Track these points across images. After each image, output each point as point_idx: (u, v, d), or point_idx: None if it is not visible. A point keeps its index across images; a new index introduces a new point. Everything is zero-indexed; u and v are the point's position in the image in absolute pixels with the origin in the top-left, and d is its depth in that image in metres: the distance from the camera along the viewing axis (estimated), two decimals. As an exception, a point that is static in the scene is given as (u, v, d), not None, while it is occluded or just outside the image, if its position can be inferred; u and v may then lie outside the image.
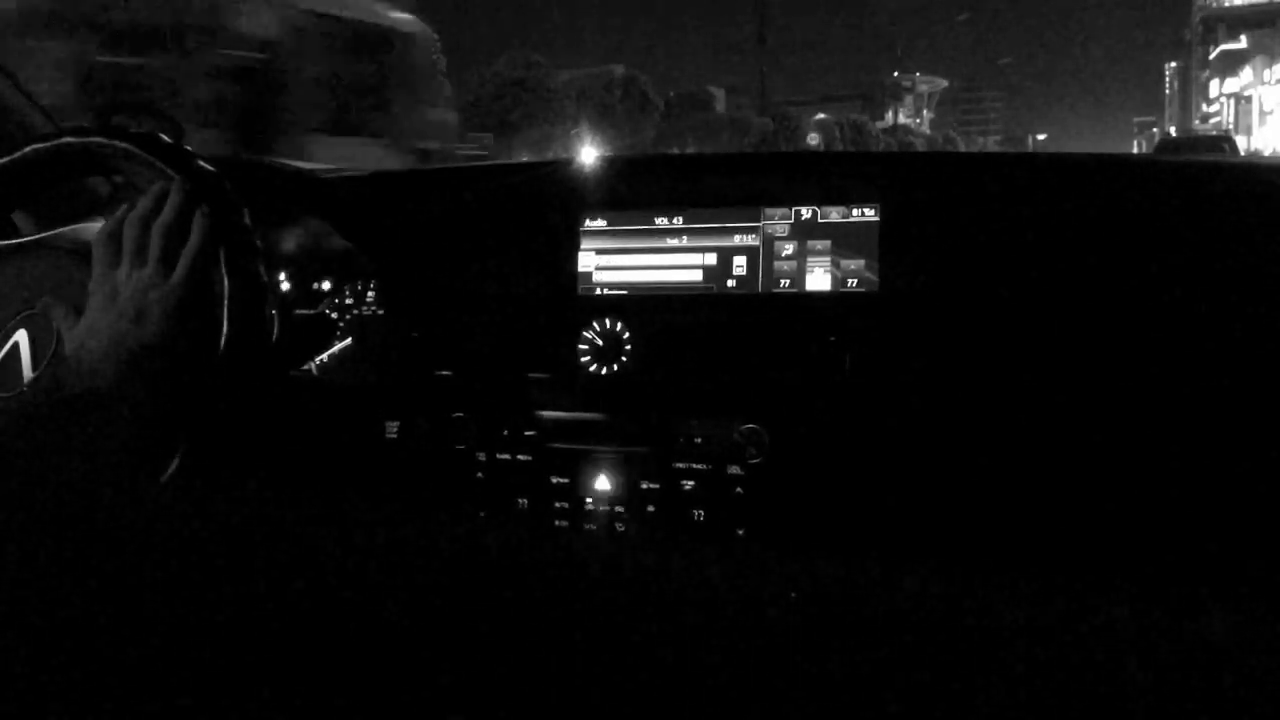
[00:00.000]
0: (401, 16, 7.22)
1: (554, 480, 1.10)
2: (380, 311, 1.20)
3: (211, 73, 5.53)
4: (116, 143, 0.90)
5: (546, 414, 1.11)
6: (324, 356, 1.18)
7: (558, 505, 1.10)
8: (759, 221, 1.13)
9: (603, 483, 1.08)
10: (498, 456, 1.12)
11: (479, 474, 1.12)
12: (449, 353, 1.17)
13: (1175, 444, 0.95)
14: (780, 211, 1.12)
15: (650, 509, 1.07)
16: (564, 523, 1.09)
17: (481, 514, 1.12)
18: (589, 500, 1.09)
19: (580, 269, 1.18)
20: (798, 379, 1.05)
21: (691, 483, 1.06)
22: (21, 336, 0.91)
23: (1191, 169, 1.09)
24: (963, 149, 37.43)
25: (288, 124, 6.00)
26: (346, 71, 6.71)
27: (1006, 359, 1.00)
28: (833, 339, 1.05)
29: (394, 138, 6.96)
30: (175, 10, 5.50)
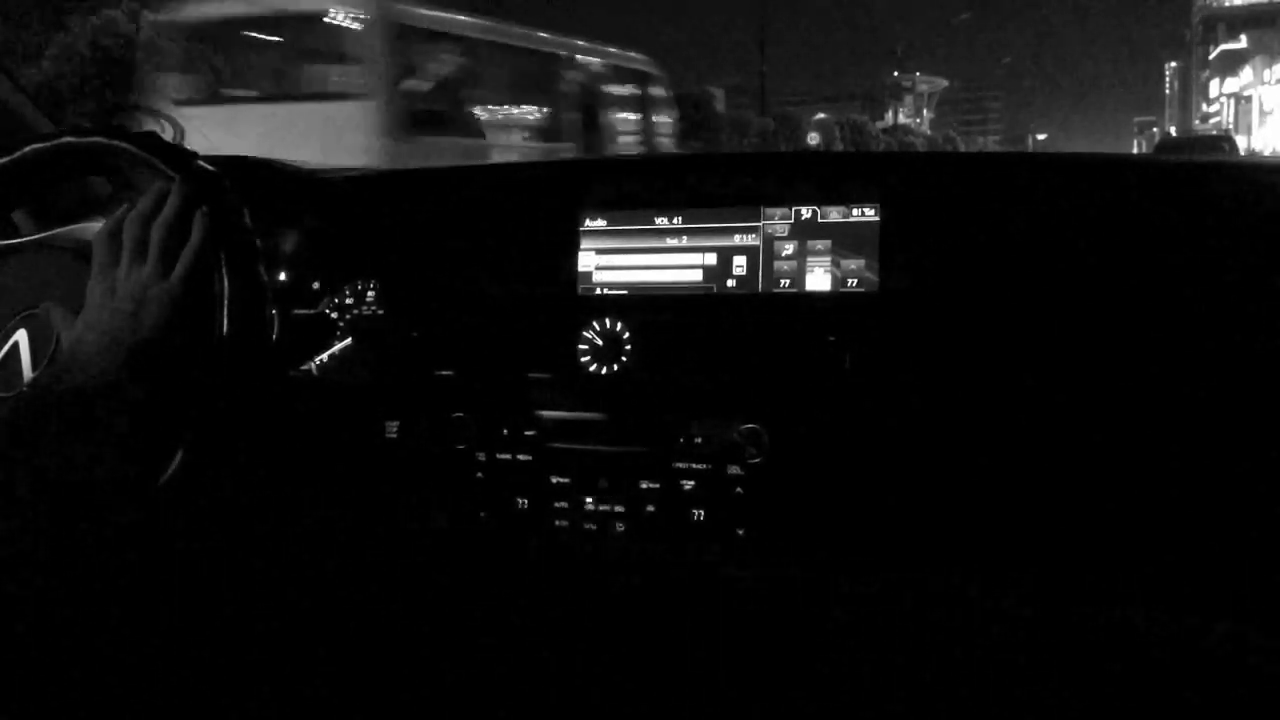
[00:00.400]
0: (643, 58, 11.46)
1: (554, 480, 1.10)
2: (380, 311, 1.20)
3: (566, 107, 9.67)
4: (116, 143, 0.90)
5: (546, 414, 1.11)
6: (324, 356, 1.18)
7: (558, 505, 1.09)
8: (759, 221, 1.13)
9: (603, 483, 1.08)
10: (498, 456, 1.12)
11: (479, 474, 1.12)
12: (449, 353, 1.17)
13: (1175, 445, 0.95)
14: (780, 211, 1.12)
15: (650, 509, 1.06)
16: (564, 523, 1.09)
17: (481, 514, 1.12)
18: (589, 500, 1.09)
19: (580, 269, 1.18)
20: (798, 379, 1.05)
21: (691, 483, 1.05)
22: (21, 336, 0.91)
23: (1191, 169, 1.09)
24: (963, 149, 37.47)
25: (594, 138, 9.89)
26: (620, 100, 10.93)
27: (1007, 359, 1.00)
28: (833, 339, 1.05)
29: (640, 143, 11.01)
30: (547, 73, 9.58)
